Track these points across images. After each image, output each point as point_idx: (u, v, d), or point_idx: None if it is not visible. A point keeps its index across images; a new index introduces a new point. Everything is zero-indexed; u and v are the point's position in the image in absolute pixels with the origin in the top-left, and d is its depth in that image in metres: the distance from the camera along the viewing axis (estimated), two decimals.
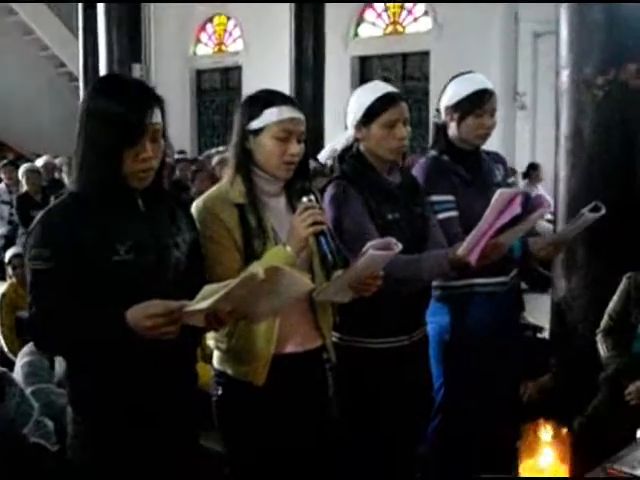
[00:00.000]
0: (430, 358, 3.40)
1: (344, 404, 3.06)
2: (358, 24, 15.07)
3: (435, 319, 3.47)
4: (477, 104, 3.46)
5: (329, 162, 3.38)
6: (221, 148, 12.18)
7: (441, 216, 3.39)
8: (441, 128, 3.58)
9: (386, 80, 14.22)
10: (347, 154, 3.25)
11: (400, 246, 2.61)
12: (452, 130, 3.53)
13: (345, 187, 3.10)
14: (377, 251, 2.56)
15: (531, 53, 12.50)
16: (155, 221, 2.44)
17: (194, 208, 2.72)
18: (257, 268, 2.16)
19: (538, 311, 5.82)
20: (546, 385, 4.55)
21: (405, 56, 14.77)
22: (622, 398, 3.66)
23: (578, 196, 4.41)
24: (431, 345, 3.40)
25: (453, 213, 3.42)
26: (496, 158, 3.71)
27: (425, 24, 14.21)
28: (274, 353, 2.72)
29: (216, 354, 2.82)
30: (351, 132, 3.22)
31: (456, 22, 13.21)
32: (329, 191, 3.11)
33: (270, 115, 2.71)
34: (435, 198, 3.40)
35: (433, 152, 3.57)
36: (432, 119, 3.59)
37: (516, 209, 2.80)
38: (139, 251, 2.35)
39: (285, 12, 14.24)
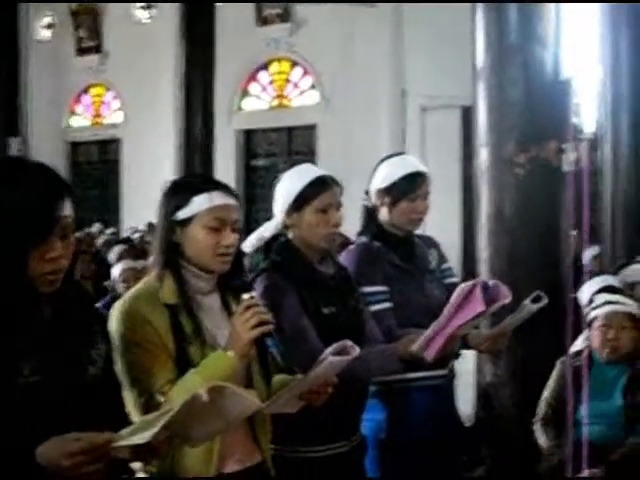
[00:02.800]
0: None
1: None
2: (242, 97, 14.92)
3: (370, 416, 3.21)
4: (410, 188, 3.29)
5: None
6: (110, 230, 11.69)
7: (374, 308, 3.17)
8: (371, 212, 3.37)
9: (271, 155, 14.43)
10: (275, 243, 3.01)
11: (358, 349, 2.37)
12: (383, 215, 3.33)
13: (277, 279, 2.86)
14: (336, 357, 2.32)
15: (419, 127, 12.56)
16: (64, 332, 2.04)
17: (116, 310, 2.37)
18: (199, 389, 1.85)
19: None
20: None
21: (291, 130, 14.69)
22: None
23: (501, 278, 4.27)
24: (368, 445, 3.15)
25: (386, 305, 3.21)
26: (429, 242, 3.51)
27: (312, 98, 14.15)
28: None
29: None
30: (279, 219, 2.99)
31: (343, 96, 13.21)
32: (259, 284, 2.84)
33: (200, 203, 2.41)
34: (368, 289, 3.18)
35: (363, 238, 3.34)
36: (362, 202, 3.36)
37: (478, 307, 2.60)
38: (47, 370, 1.95)
39: (168, 83, 14.03)
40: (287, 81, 14.56)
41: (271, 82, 14.72)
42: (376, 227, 3.34)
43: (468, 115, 12.33)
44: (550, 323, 4.18)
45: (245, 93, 14.91)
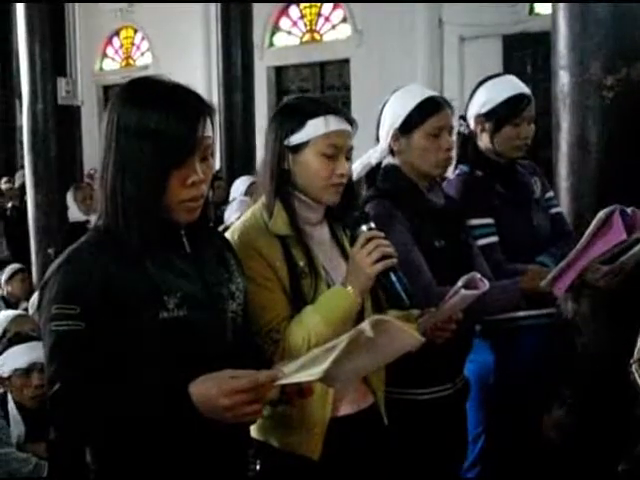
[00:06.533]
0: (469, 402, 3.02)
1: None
2: (273, 33, 14.59)
3: (477, 357, 3.11)
4: (514, 112, 3.09)
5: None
6: None
7: (481, 242, 2.98)
8: (469, 139, 3.16)
9: (303, 91, 14.10)
10: (380, 170, 2.82)
11: (487, 283, 2.23)
12: (484, 141, 3.14)
13: (389, 208, 2.66)
14: (468, 291, 2.19)
15: (457, 58, 12.19)
16: (204, 266, 1.95)
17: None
18: (363, 324, 1.69)
19: None
20: (562, 421, 4.14)
21: (323, 65, 14.33)
22: None
23: (584, 209, 4.04)
24: (472, 388, 3.01)
25: (494, 238, 3.04)
26: (532, 170, 3.30)
27: (344, 31, 13.78)
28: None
29: None
30: (385, 144, 2.78)
31: (377, 28, 12.82)
32: (369, 211, 2.64)
33: (315, 127, 2.25)
34: (474, 222, 3.00)
35: (463, 167, 3.14)
36: (457, 128, 3.14)
37: (619, 235, 2.39)
38: (191, 305, 1.84)
39: (196, 22, 13.77)
40: (318, 15, 14.19)
41: (302, 17, 14.36)
42: (476, 155, 3.14)
43: (509, 44, 12.02)
44: None
45: (276, 29, 14.57)
